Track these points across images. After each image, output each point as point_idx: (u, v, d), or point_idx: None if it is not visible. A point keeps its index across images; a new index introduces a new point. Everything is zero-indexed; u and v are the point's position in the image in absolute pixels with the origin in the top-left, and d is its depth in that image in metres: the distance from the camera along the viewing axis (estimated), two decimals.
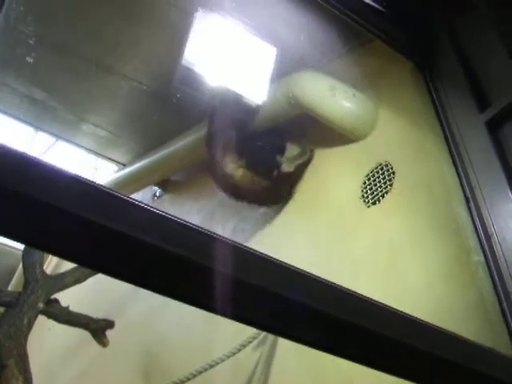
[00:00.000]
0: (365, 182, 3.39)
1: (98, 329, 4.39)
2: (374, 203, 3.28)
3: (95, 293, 5.10)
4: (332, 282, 1.20)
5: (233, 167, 3.84)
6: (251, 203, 4.04)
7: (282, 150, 4.06)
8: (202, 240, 1.09)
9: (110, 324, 4.42)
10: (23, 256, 4.25)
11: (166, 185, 5.37)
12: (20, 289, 4.20)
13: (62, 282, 4.19)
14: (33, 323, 3.92)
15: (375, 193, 3.30)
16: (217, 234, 1.10)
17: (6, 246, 6.67)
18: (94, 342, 4.41)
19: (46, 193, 0.92)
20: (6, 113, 5.08)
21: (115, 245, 0.99)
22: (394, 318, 1.30)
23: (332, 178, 3.67)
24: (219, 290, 1.10)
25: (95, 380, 4.74)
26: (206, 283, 1.09)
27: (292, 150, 4.05)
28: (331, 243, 3.40)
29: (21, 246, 6.55)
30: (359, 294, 1.22)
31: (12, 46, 4.14)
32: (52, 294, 4.09)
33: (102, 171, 5.90)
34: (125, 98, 4.80)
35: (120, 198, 1.01)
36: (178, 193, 5.21)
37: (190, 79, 3.37)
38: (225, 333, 3.76)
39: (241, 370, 3.44)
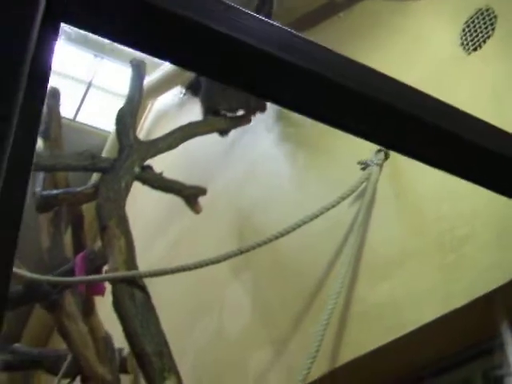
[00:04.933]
0: (464, 30, 3.23)
1: (191, 195, 4.47)
2: (474, 49, 3.14)
3: (187, 160, 5.17)
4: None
5: None
6: None
7: None
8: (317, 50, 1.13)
9: (202, 191, 4.48)
10: (116, 122, 4.30)
11: None
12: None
13: (156, 147, 4.23)
14: (130, 187, 4.00)
15: (476, 39, 3.15)
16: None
17: (89, 126, 6.75)
18: (186, 209, 4.51)
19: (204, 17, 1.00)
20: None
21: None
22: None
23: (429, 27, 3.53)
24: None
25: (190, 244, 4.86)
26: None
27: None
28: (431, 91, 3.29)
29: (103, 126, 6.63)
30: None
31: None
32: (146, 160, 4.15)
33: None
34: None
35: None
36: None
37: None
38: (317, 194, 3.76)
39: (338, 224, 3.42)
